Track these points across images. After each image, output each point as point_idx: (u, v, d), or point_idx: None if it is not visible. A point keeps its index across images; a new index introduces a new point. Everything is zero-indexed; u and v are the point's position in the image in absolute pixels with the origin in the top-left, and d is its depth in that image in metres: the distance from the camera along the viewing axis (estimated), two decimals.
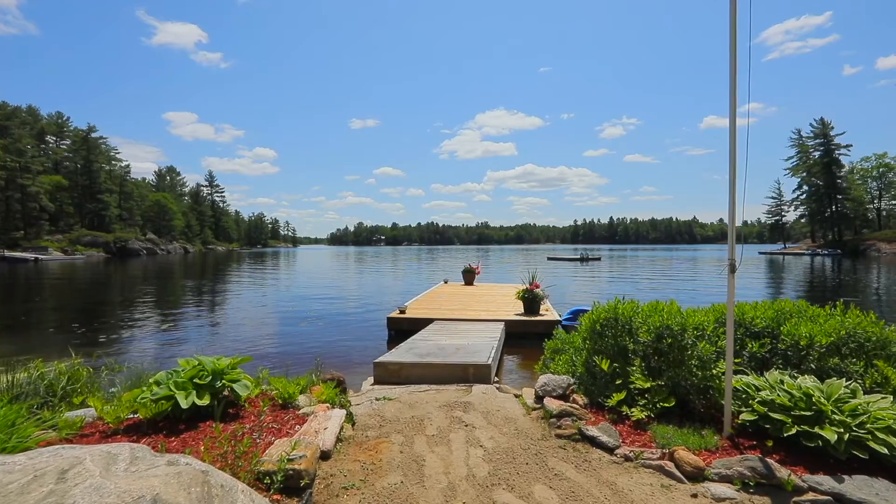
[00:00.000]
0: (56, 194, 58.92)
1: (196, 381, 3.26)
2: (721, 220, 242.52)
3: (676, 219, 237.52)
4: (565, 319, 8.11)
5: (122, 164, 73.82)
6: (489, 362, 4.56)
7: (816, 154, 64.58)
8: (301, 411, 3.24)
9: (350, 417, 3.34)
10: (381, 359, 4.72)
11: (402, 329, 7.95)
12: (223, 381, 3.29)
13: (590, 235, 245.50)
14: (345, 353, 6.89)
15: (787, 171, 68.46)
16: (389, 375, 4.52)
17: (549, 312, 8.42)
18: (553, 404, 3.29)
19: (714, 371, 3.05)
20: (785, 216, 75.91)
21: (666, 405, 3.00)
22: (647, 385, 3.08)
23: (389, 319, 8.15)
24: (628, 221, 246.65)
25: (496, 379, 4.70)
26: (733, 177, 2.71)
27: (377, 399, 3.74)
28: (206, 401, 3.12)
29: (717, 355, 3.14)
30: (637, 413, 3.01)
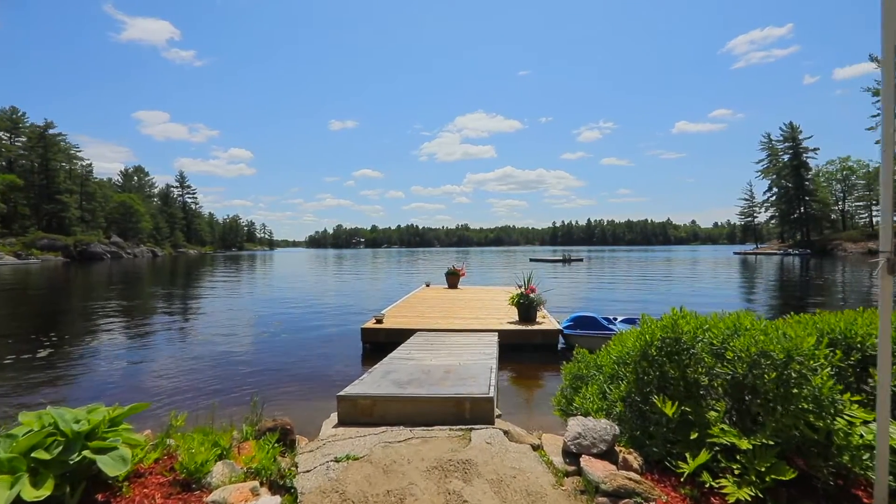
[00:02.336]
0: (9, 195, 54.59)
1: (38, 454, 2.03)
2: (693, 221, 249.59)
3: (651, 220, 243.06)
4: (566, 328, 7.14)
5: (84, 163, 69.28)
6: (490, 394, 3.46)
7: (785, 157, 66.53)
8: (210, 498, 2.06)
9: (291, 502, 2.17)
10: (348, 390, 3.55)
11: (378, 342, 6.78)
12: (84, 453, 2.07)
13: (568, 237, 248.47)
14: (306, 378, 5.58)
15: (758, 173, 70.24)
16: (359, 413, 3.36)
17: (546, 320, 7.42)
18: (597, 470, 2.21)
19: (839, 421, 2.04)
20: (757, 217, 78.06)
21: (779, 476, 1.96)
22: (745, 444, 2.04)
23: (364, 331, 6.96)
24: (605, 223, 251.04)
25: (498, 412, 3.59)
26: (889, 157, 1.72)
27: (336, 460, 2.57)
28: (46, 489, 1.91)
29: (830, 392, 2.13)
30: (734, 490, 1.95)
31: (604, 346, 3.46)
